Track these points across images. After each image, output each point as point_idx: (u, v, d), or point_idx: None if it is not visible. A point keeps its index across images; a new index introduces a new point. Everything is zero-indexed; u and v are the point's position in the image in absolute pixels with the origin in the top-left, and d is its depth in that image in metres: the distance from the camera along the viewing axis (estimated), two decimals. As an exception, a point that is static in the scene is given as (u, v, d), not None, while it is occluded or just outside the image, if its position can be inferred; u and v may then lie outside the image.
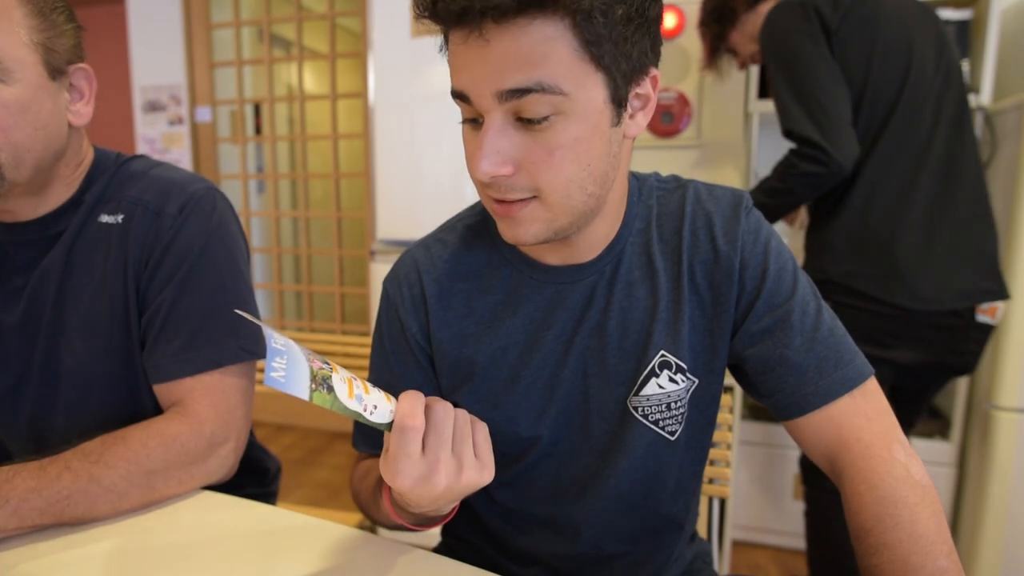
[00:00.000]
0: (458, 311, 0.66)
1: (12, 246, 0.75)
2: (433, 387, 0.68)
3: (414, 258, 0.68)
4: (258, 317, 0.79)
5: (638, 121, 0.55)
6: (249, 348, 0.75)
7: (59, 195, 0.74)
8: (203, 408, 0.71)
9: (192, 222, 0.74)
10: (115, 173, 0.78)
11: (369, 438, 0.71)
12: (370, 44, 1.78)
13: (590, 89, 0.49)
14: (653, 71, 0.54)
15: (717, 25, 1.39)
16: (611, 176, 0.55)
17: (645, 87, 0.54)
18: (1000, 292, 1.19)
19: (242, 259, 0.79)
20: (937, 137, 1.19)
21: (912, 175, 1.17)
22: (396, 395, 0.69)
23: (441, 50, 0.54)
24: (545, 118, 0.49)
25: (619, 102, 0.52)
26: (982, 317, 1.18)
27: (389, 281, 0.69)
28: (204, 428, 0.70)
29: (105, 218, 0.75)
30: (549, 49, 0.46)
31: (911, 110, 1.18)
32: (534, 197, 0.52)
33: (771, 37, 1.25)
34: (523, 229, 0.54)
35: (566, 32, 0.46)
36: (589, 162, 0.52)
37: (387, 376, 0.69)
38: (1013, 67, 1.59)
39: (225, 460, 0.72)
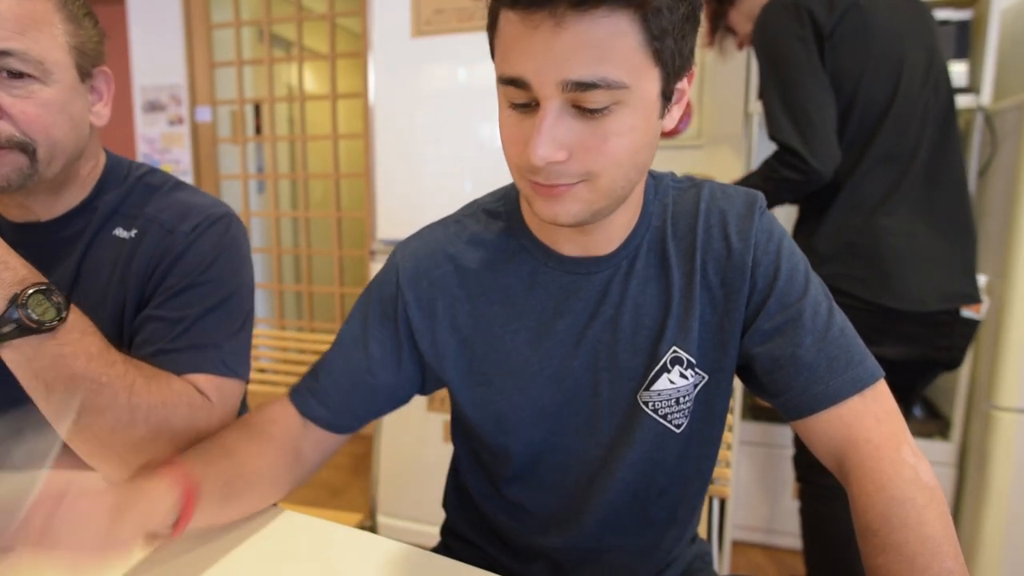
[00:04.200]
0: (470, 293, 0.66)
1: (22, 247, 0.75)
2: (397, 360, 0.68)
3: (435, 235, 0.68)
4: (249, 340, 0.78)
5: (673, 114, 0.56)
6: (230, 364, 0.73)
7: (73, 196, 0.75)
8: (215, 398, 0.70)
9: (204, 239, 0.74)
10: (134, 186, 0.78)
11: (310, 401, 0.69)
12: (370, 44, 1.78)
13: (648, 82, 0.50)
14: (693, 68, 0.55)
15: (716, 3, 1.41)
16: (648, 166, 0.56)
17: (683, 82, 0.55)
18: (975, 296, 1.22)
19: (246, 283, 0.78)
20: (923, 145, 1.20)
21: (897, 181, 1.19)
22: (366, 349, 0.68)
23: (492, 26, 0.53)
24: (605, 107, 0.49)
25: (667, 96, 0.53)
26: (967, 312, 1.21)
27: (401, 251, 0.69)
28: (214, 412, 0.69)
29: (120, 232, 0.75)
30: (617, 43, 0.47)
31: (900, 118, 1.19)
32: (582, 180, 0.52)
33: (763, 38, 1.26)
34: (563, 208, 0.54)
35: (634, 26, 0.47)
36: (638, 151, 0.52)
37: (358, 333, 0.69)
38: (1013, 67, 1.59)
39: None
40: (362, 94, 2.46)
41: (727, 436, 0.92)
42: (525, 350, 0.64)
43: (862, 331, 1.22)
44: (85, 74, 0.71)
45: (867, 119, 1.20)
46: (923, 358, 1.23)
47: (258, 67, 2.77)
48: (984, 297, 1.23)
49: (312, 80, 3.47)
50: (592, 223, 0.57)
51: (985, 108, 1.54)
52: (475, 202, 0.71)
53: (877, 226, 1.18)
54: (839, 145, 1.21)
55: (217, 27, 2.67)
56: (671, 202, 0.65)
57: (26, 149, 0.65)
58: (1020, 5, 1.60)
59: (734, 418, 1.55)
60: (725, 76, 1.68)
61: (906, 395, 1.36)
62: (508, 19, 0.49)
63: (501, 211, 0.68)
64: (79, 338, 0.59)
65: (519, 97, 0.51)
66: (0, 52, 0.61)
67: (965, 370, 1.62)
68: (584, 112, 0.50)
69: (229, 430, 0.65)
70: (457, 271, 0.66)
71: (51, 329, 0.57)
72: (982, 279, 1.26)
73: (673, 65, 0.51)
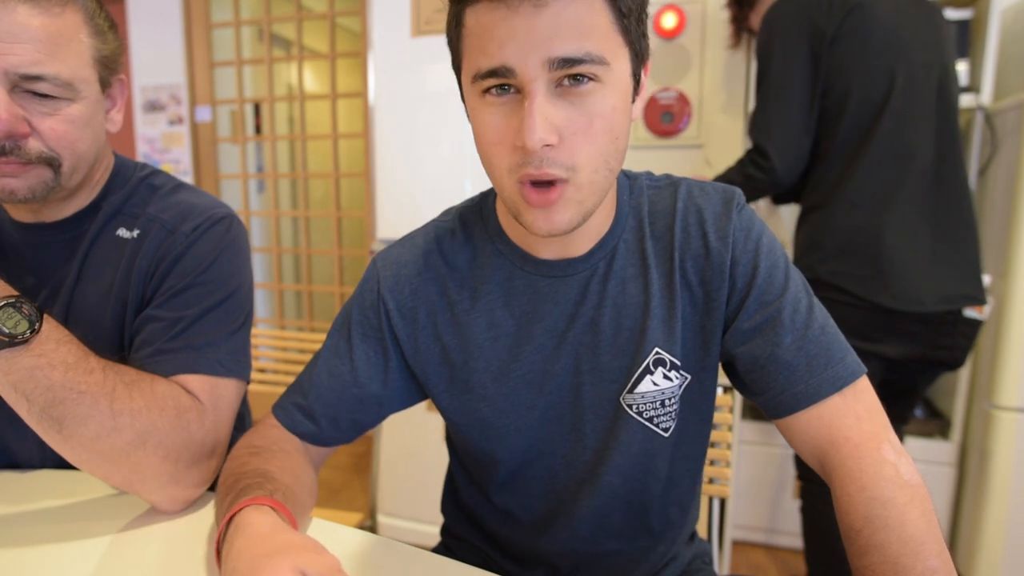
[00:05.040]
0: (450, 300, 0.66)
1: (26, 247, 0.75)
2: (383, 370, 0.68)
3: (414, 243, 0.68)
4: (248, 340, 0.77)
5: (637, 105, 0.57)
6: (227, 365, 0.72)
7: (83, 199, 0.76)
8: (207, 399, 0.69)
9: (204, 240, 0.75)
10: (137, 187, 0.79)
11: (296, 416, 0.68)
12: (370, 44, 1.78)
13: (621, 61, 0.52)
14: (649, 60, 0.57)
15: (737, 7, 1.47)
16: (624, 155, 0.57)
17: (643, 72, 0.57)
18: (979, 298, 1.21)
19: (246, 284, 0.78)
20: (927, 144, 1.21)
21: (899, 180, 1.20)
22: (351, 360, 0.67)
23: (456, 29, 0.53)
24: (590, 80, 0.50)
25: (637, 79, 0.55)
26: (970, 312, 1.21)
27: (382, 260, 0.69)
28: (206, 414, 0.68)
29: (123, 232, 0.76)
30: (594, 19, 0.49)
31: (900, 116, 1.20)
32: (565, 180, 0.52)
33: (761, 36, 1.30)
34: (558, 216, 0.54)
35: (604, 3, 0.50)
36: (617, 135, 0.53)
37: (342, 344, 0.68)
38: (1013, 67, 1.59)
39: (205, 473, 0.69)
40: (362, 94, 2.46)
41: (727, 436, 0.91)
42: (506, 355, 0.64)
43: (862, 329, 1.23)
44: (106, 84, 0.72)
45: (864, 116, 1.21)
46: (924, 357, 1.23)
47: (258, 66, 2.77)
48: (987, 298, 1.23)
49: (312, 80, 3.47)
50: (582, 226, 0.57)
51: (985, 108, 1.54)
52: (452, 208, 0.71)
53: (880, 223, 1.19)
54: (835, 145, 1.22)
55: (217, 26, 2.67)
56: (647, 201, 0.65)
57: (52, 163, 0.67)
58: (1020, 5, 1.60)
59: (734, 418, 1.55)
60: (725, 76, 1.68)
61: (908, 394, 1.36)
62: (479, 12, 0.50)
63: (478, 216, 0.68)
64: (54, 348, 0.59)
65: (500, 91, 0.51)
66: (33, 77, 0.63)
67: (965, 370, 1.62)
68: (569, 92, 0.50)
69: (268, 456, 0.63)
70: (437, 278, 0.66)
71: (24, 341, 0.57)
72: (985, 279, 1.25)
73: (639, 46, 0.54)
